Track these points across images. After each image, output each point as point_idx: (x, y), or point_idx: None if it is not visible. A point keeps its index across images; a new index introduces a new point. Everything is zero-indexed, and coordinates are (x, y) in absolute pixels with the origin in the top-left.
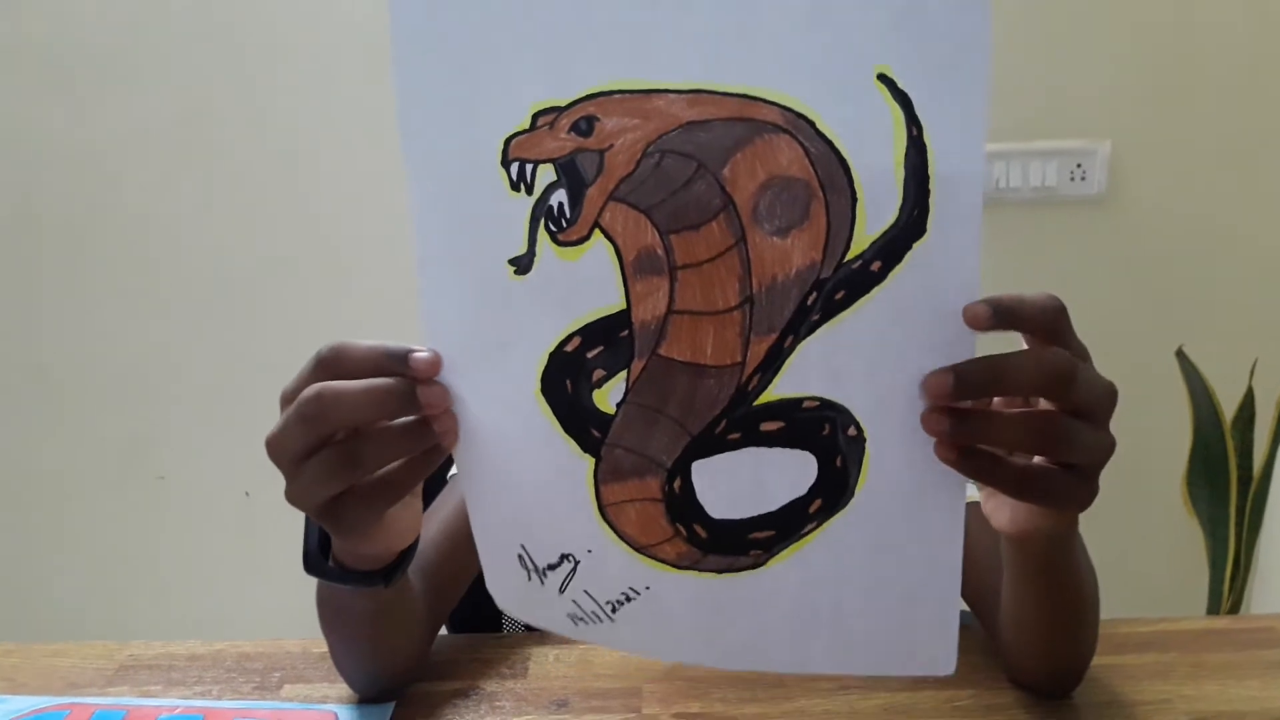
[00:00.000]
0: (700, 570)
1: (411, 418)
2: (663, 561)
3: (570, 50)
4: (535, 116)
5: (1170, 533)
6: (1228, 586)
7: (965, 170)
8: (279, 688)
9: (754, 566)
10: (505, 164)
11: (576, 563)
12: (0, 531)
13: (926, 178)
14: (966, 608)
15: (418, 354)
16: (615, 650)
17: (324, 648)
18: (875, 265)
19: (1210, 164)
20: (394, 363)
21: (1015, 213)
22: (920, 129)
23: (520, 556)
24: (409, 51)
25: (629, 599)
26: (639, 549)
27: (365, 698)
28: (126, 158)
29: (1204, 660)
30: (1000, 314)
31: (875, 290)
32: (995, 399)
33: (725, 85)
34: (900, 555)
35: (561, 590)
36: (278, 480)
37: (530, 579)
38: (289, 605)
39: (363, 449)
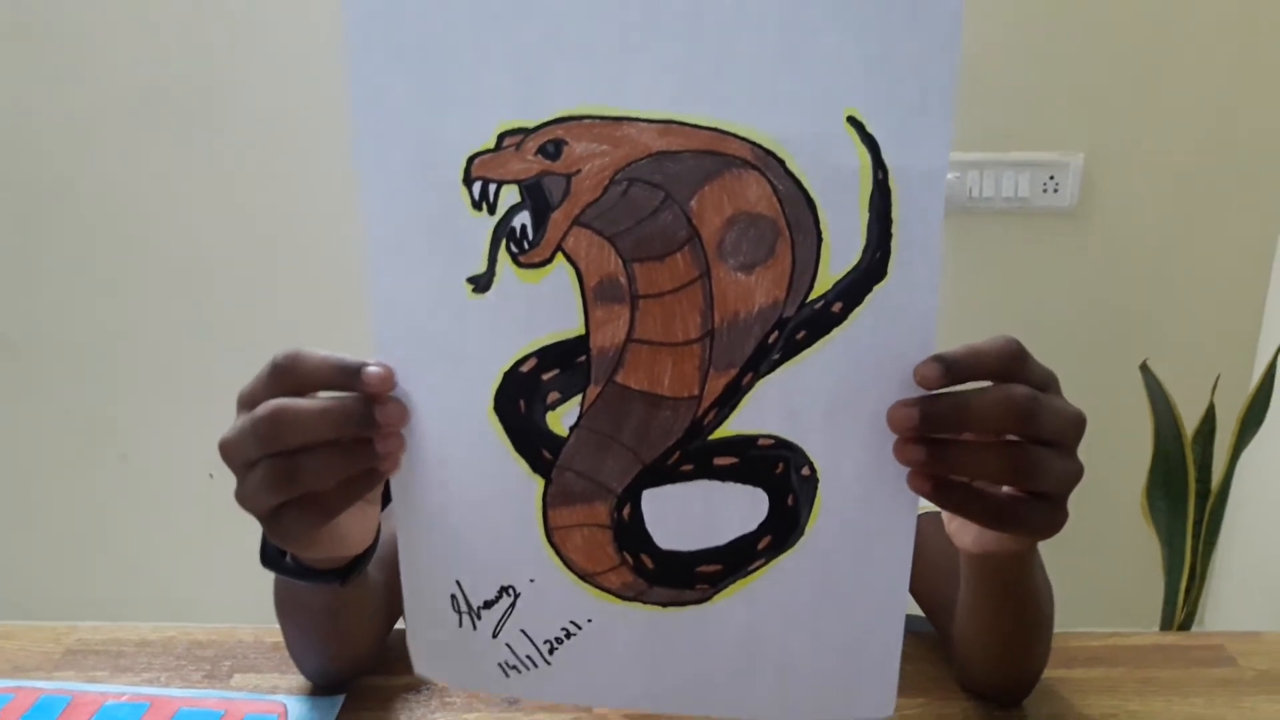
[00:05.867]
0: (645, 602)
1: (355, 439)
2: (607, 591)
3: (541, 72)
4: (502, 136)
5: (1128, 543)
6: (1182, 599)
7: (927, 214)
8: (229, 677)
9: (700, 601)
10: (467, 182)
11: (516, 596)
12: None
13: (890, 221)
14: (921, 614)
15: (370, 369)
16: (548, 702)
17: (277, 637)
18: (837, 306)
19: (1180, 180)
20: (347, 377)
21: (987, 222)
22: (886, 173)
23: (454, 596)
24: (367, 59)
25: (569, 635)
26: (584, 576)
27: (319, 687)
28: (94, 133)
29: (1152, 676)
30: (954, 371)
31: (836, 331)
32: None
33: (696, 118)
34: (847, 597)
35: (495, 633)
36: None
37: (461, 623)
38: (248, 590)
39: (300, 467)
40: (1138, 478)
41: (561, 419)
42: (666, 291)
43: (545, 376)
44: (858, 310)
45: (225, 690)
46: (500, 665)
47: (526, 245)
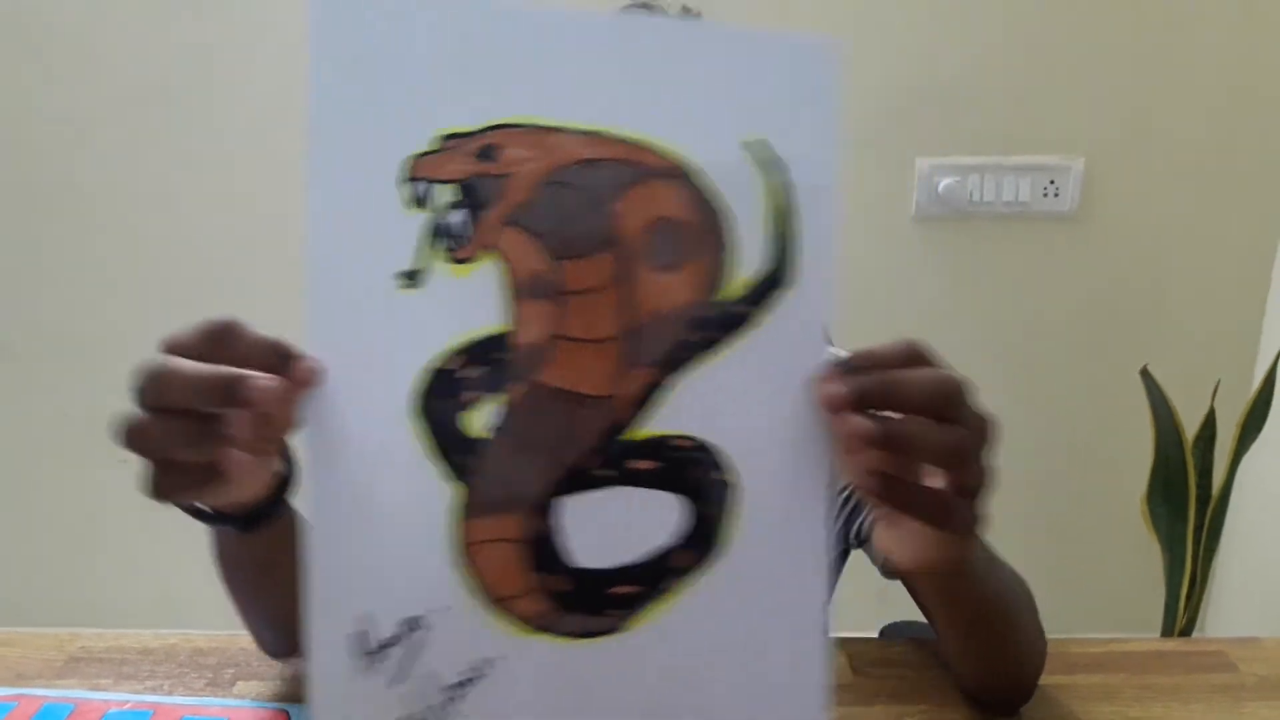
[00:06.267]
0: (555, 634)
1: (207, 438)
2: (518, 620)
3: (481, 83)
4: (444, 139)
5: (1129, 549)
6: (1183, 604)
7: (822, 227)
8: (232, 684)
9: (611, 630)
10: (408, 180)
11: (421, 631)
12: None
13: (793, 233)
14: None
15: (304, 363)
16: None
17: None
18: (746, 309)
19: (1180, 185)
20: (279, 360)
21: (987, 226)
22: (785, 191)
23: (355, 635)
24: (328, 67)
25: (474, 679)
26: (496, 602)
27: (279, 658)
28: (93, 133)
29: (1152, 682)
30: (853, 373)
31: (748, 333)
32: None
33: (621, 131)
34: (767, 623)
35: (398, 679)
36: None
37: (359, 663)
38: None
39: (150, 433)
40: (1138, 483)
41: (482, 421)
42: (590, 289)
43: (469, 375)
44: (766, 315)
45: (228, 698)
46: None
47: (460, 241)
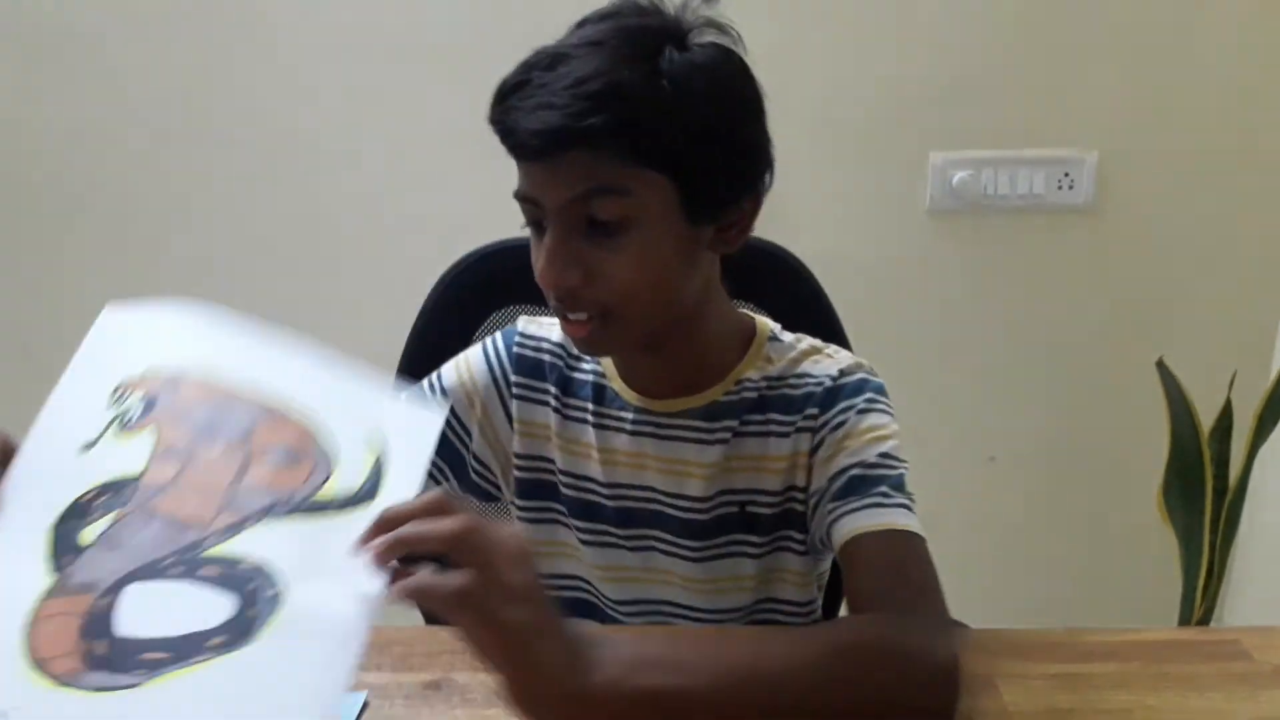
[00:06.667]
0: (78, 687)
1: None
2: (47, 676)
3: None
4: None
5: (1146, 540)
6: (1200, 596)
7: (411, 474)
8: None
9: (132, 686)
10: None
11: None
12: None
13: (381, 475)
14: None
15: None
16: None
17: None
18: (337, 508)
19: (1195, 177)
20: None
21: (1002, 219)
22: (383, 469)
23: None
24: (96, 340)
25: None
26: (36, 663)
27: None
28: (119, 141)
29: (1167, 671)
30: (385, 524)
31: (329, 514)
32: None
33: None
34: (286, 698)
35: None
36: None
37: None
38: None
39: None
40: (1155, 475)
41: (95, 533)
42: (215, 460)
43: (96, 502)
44: (353, 510)
45: None
46: None
47: (131, 422)
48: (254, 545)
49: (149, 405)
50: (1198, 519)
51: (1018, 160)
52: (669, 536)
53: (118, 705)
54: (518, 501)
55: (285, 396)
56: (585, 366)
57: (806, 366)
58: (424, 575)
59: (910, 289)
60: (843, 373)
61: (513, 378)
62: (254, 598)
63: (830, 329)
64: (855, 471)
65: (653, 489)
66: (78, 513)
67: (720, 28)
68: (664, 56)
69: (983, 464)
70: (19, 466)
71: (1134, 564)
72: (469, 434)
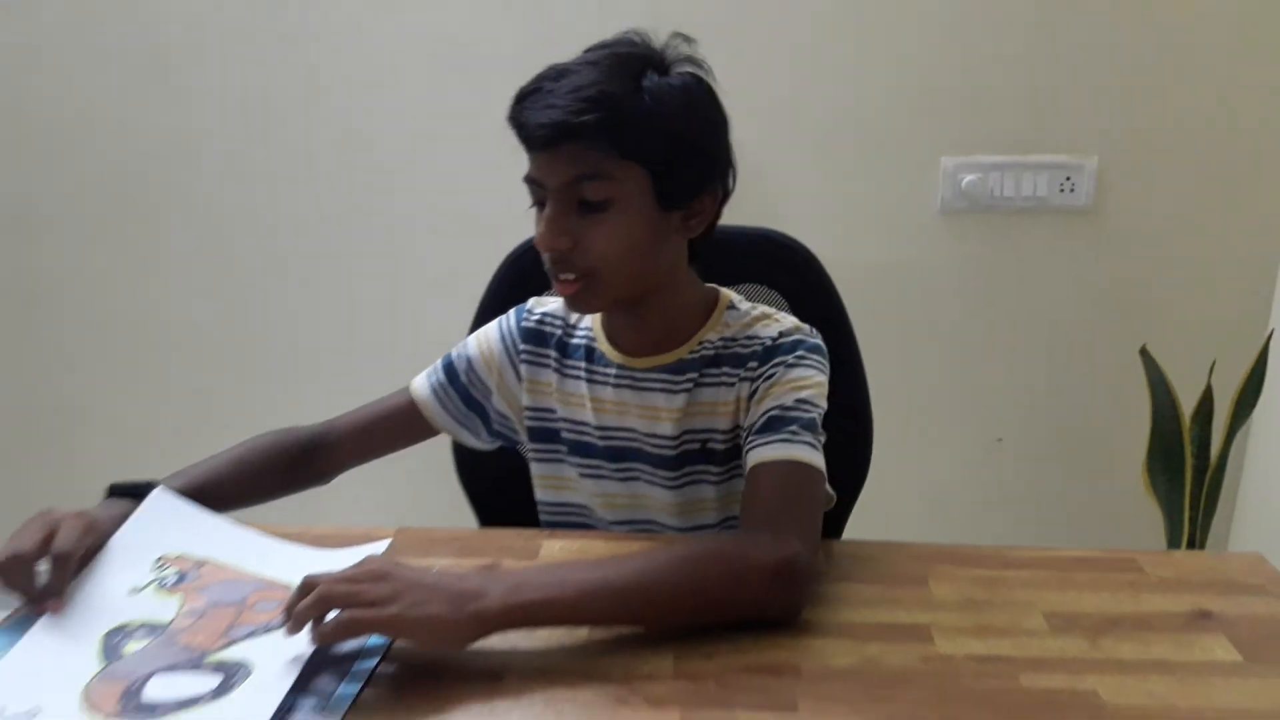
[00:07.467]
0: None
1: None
2: (100, 713)
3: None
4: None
5: (1133, 513)
6: None
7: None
8: None
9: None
10: (157, 568)
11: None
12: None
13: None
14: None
15: (54, 600)
16: None
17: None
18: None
19: (1190, 180)
20: (54, 563)
21: (1007, 220)
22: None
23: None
24: (144, 515)
25: None
26: (89, 706)
27: None
28: (210, 144)
29: (1071, 578)
30: (308, 588)
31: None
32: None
33: (271, 577)
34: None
35: None
36: None
37: None
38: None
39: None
40: (1139, 454)
41: (136, 648)
42: (221, 614)
43: (137, 630)
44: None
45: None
46: None
47: (169, 587)
48: (239, 651)
49: (181, 578)
50: (1179, 496)
51: (1023, 165)
52: (648, 468)
53: None
54: (530, 444)
55: (271, 576)
56: (579, 333)
57: (756, 330)
58: (339, 616)
59: (923, 282)
60: (781, 334)
61: (520, 346)
62: (234, 676)
63: (830, 308)
64: (774, 412)
65: (634, 430)
66: (124, 633)
67: (696, 63)
68: (646, 76)
69: (990, 444)
70: (86, 585)
71: (1123, 537)
72: (490, 391)
